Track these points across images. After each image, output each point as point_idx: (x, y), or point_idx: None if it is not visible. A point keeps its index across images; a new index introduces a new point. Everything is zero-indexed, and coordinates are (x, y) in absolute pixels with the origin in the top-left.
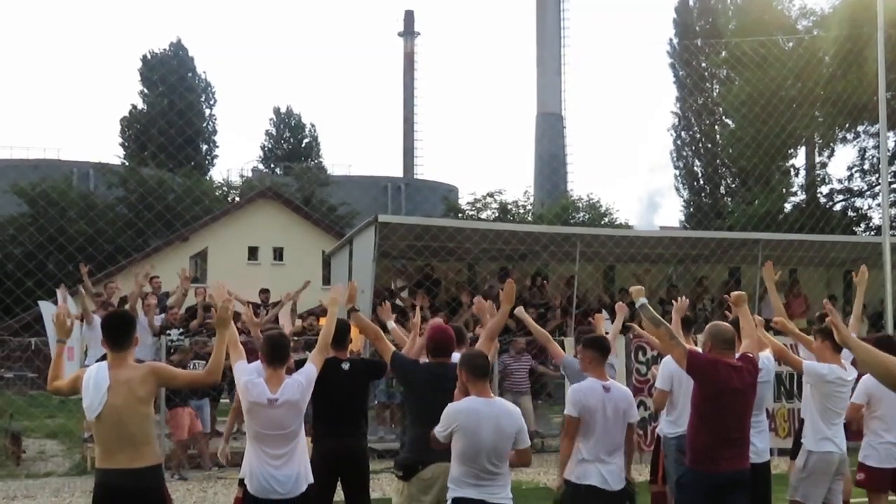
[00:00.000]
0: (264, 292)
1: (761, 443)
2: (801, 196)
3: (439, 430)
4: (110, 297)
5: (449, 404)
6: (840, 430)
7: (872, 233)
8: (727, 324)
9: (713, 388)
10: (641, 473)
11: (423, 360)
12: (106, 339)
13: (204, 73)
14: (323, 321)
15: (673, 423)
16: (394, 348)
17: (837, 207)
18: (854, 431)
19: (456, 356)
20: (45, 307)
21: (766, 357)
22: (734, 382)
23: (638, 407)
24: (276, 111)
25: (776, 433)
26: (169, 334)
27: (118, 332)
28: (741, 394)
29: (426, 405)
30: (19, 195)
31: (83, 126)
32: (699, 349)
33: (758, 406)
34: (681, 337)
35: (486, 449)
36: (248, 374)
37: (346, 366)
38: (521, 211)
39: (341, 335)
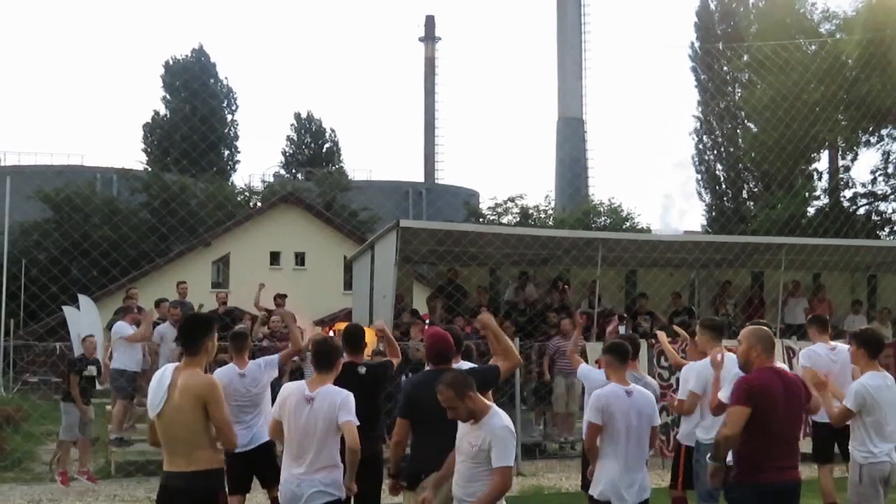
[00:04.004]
0: (280, 297)
1: None
2: (825, 200)
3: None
4: (136, 301)
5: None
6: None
7: None
8: (766, 327)
9: (769, 404)
10: (663, 479)
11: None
12: (180, 340)
13: (226, 78)
14: (341, 326)
15: (707, 429)
16: None
17: (861, 211)
18: None
19: (465, 364)
20: (70, 312)
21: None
22: (781, 390)
23: (661, 412)
24: (298, 117)
25: None
26: None
27: (189, 334)
28: (791, 400)
29: (427, 413)
30: (44, 201)
31: (106, 132)
32: (741, 376)
33: None
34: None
35: None
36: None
37: (362, 370)
38: (543, 215)
39: (356, 340)
